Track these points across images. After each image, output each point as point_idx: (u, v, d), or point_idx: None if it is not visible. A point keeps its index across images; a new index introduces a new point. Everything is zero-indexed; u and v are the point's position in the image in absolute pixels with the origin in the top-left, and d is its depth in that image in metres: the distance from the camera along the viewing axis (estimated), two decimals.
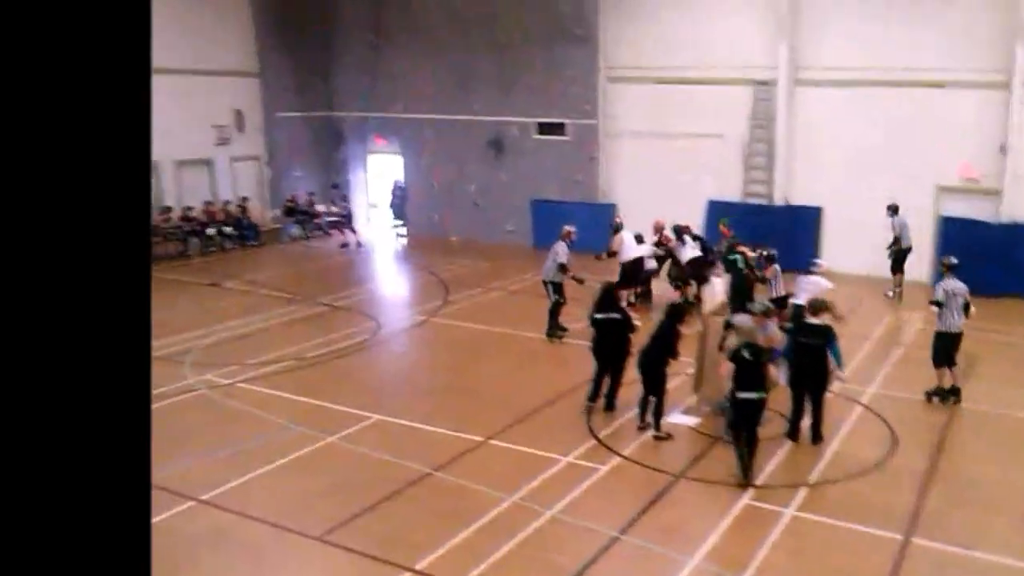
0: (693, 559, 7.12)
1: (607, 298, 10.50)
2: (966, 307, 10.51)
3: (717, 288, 10.55)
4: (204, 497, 8.15)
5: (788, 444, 9.43)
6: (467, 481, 8.55)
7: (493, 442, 9.54)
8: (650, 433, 9.64)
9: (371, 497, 8.21)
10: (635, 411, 9.97)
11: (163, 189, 20.97)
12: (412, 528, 7.66)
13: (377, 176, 24.51)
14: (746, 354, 8.46)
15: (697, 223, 18.54)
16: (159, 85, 19.82)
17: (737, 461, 8.46)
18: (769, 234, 18.00)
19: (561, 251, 13.65)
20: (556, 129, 21.16)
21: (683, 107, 19.52)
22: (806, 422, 9.48)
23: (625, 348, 10.17)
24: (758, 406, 8.46)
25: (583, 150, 20.88)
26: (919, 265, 16.66)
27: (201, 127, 21.76)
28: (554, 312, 13.54)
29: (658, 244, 15.57)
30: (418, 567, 6.98)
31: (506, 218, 21.79)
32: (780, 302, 11.61)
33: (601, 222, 20.47)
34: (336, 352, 13.00)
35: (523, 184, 21.56)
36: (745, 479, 8.38)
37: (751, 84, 18.76)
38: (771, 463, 8.99)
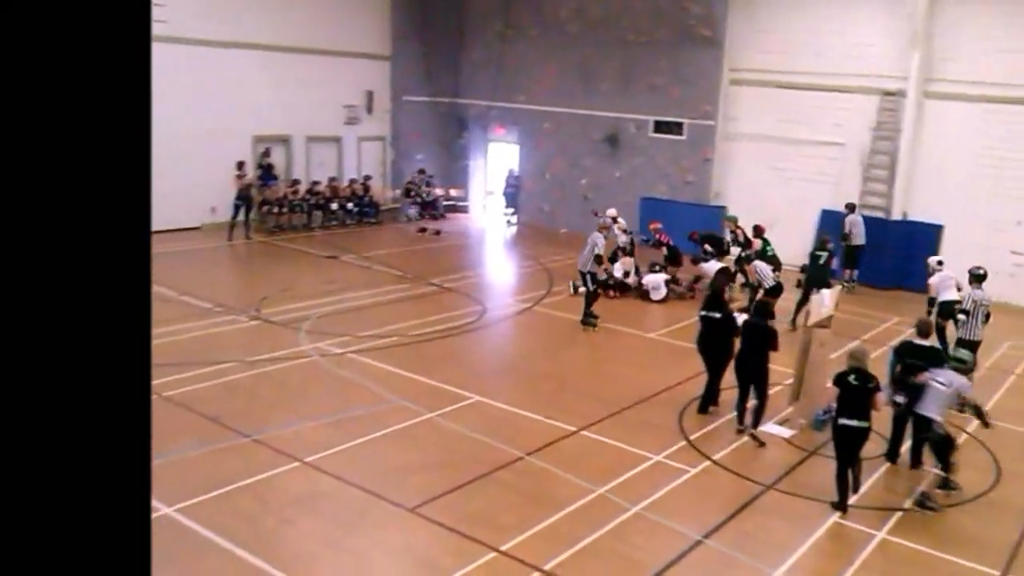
0: (776, 572, 6.93)
1: (714, 297, 10.47)
2: (987, 317, 11.09)
3: (825, 300, 10.17)
4: (308, 459, 8.42)
5: (885, 465, 9.05)
6: (556, 469, 8.55)
7: (585, 433, 9.51)
8: (747, 435, 9.45)
9: (463, 475, 8.32)
10: (731, 415, 9.78)
11: (293, 163, 21.75)
12: (500, 509, 7.73)
13: (495, 164, 24.72)
14: (852, 380, 7.99)
15: (810, 231, 18.00)
16: (297, 63, 20.98)
17: (836, 484, 8.06)
18: (884, 248, 17.35)
19: (599, 241, 13.75)
20: (673, 128, 20.83)
21: (804, 113, 18.91)
22: (906, 444, 9.07)
23: (728, 349, 9.99)
24: (861, 435, 7.96)
25: (698, 151, 20.49)
26: None
27: (333, 106, 22.41)
28: (589, 301, 13.64)
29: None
30: (503, 548, 7.03)
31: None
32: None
33: (711, 224, 20.09)
34: (442, 332, 13.20)
35: (634, 181, 21.33)
36: (842, 502, 8.01)
37: (878, 93, 17.98)
38: (866, 483, 8.64)
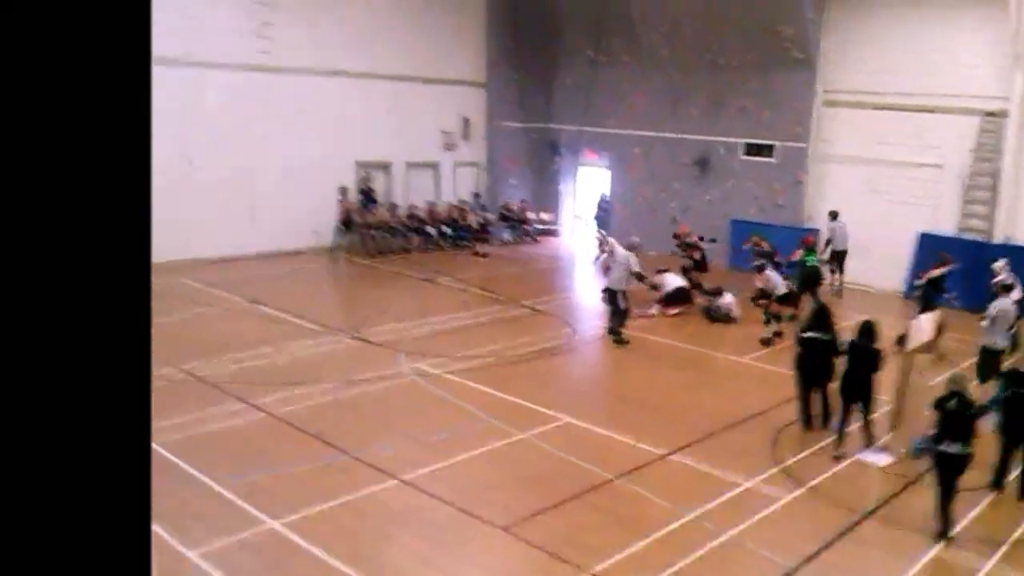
0: None
1: (821, 317, 10.18)
2: (1010, 328, 11.30)
3: (924, 324, 9.76)
4: (405, 477, 8.55)
5: (991, 495, 8.60)
6: (646, 492, 8.44)
7: (674, 457, 9.36)
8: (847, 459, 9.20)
9: (554, 496, 8.30)
10: (827, 440, 9.49)
11: (393, 187, 22.26)
12: (589, 531, 7.67)
13: (585, 188, 24.72)
14: (952, 405, 7.62)
15: (907, 254, 17.37)
16: (396, 91, 21.51)
17: (937, 511, 7.69)
18: (984, 272, 16.54)
19: (633, 260, 14.09)
20: (764, 151, 20.43)
21: (900, 134, 18.26)
22: (1014, 473, 8.61)
23: (831, 370, 9.78)
24: (962, 462, 7.58)
25: (789, 173, 20.02)
26: None
27: (431, 132, 22.87)
28: (622, 319, 13.85)
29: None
30: (593, 571, 6.98)
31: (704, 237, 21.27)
32: None
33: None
34: (533, 353, 13.23)
35: (724, 204, 20.99)
36: (944, 532, 7.64)
37: (978, 114, 17.23)
38: (969, 515, 8.23)
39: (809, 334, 10.01)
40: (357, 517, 7.78)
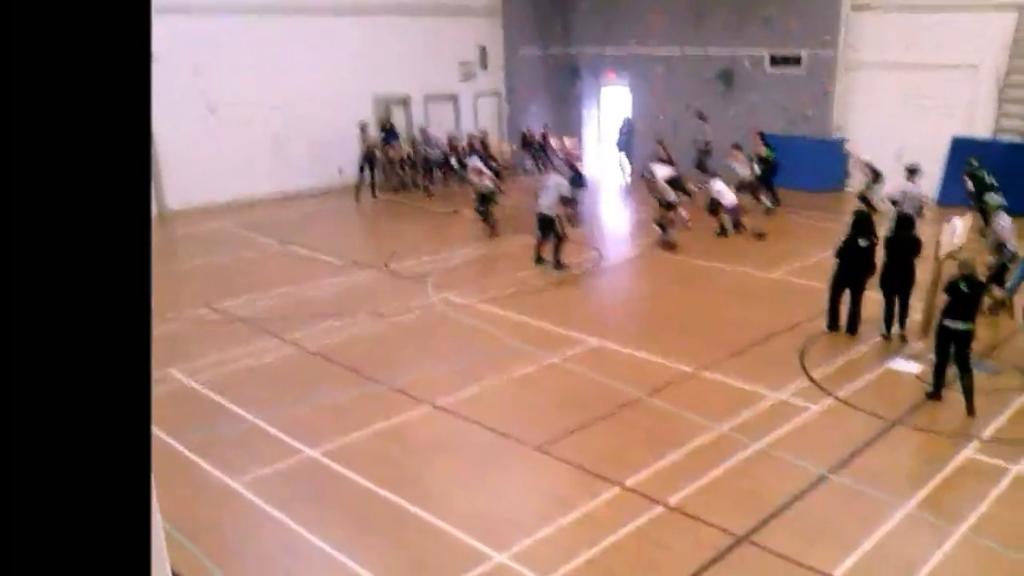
0: (906, 505, 6.74)
1: (863, 223, 10.35)
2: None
3: (956, 230, 9.60)
4: (440, 403, 8.74)
5: (1021, 399, 8.60)
6: (677, 408, 8.56)
7: (704, 373, 9.43)
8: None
9: (587, 416, 8.45)
10: (857, 352, 9.52)
11: (413, 121, 22.11)
12: (623, 447, 7.82)
13: (608, 111, 24.36)
14: (963, 287, 8.20)
15: (941, 159, 17.00)
16: (412, 25, 21.21)
17: (933, 377, 8.58)
18: (1020, 175, 16.18)
19: (564, 185, 13.93)
20: (790, 62, 19.91)
21: (932, 36, 17.65)
22: None
23: (870, 271, 10.20)
24: (965, 337, 8.26)
25: (817, 83, 19.53)
26: None
27: (449, 64, 22.58)
28: (558, 247, 13.58)
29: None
30: (627, 483, 7.14)
31: (729, 152, 20.92)
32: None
33: (831, 160, 19.28)
34: (561, 279, 13.28)
35: (750, 119, 20.54)
36: (936, 395, 8.49)
37: (1014, 10, 16.60)
38: (1003, 415, 8.26)
39: (859, 241, 10.25)
40: (395, 443, 7.99)
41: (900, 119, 18.13)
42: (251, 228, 16.90)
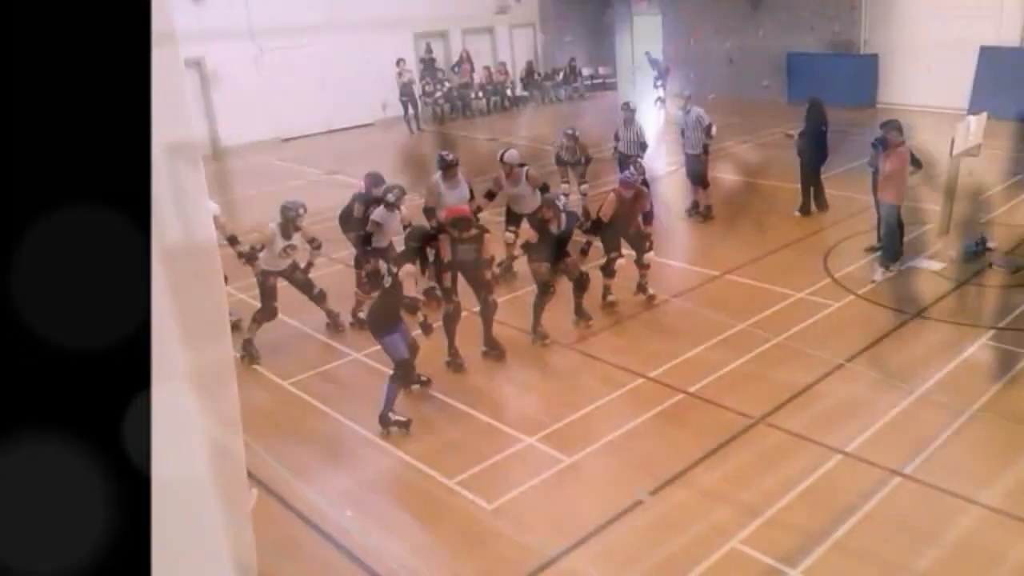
0: (920, 388, 6.65)
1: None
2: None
3: (971, 126, 9.21)
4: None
5: None
6: (701, 308, 8.51)
7: (729, 276, 9.33)
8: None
9: (614, 317, 8.46)
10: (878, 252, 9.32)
11: (451, 55, 21.83)
12: (647, 343, 7.83)
13: (641, 41, 23.68)
14: None
15: (968, 72, 16.26)
16: None
17: None
18: None
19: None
20: None
21: None
22: None
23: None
24: None
25: None
26: None
27: None
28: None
29: None
30: (651, 375, 7.16)
31: (762, 74, 20.30)
32: None
33: (861, 75, 18.56)
34: (592, 197, 13.14)
35: (780, 39, 19.84)
36: None
37: None
38: (1022, 306, 8.04)
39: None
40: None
41: (928, 30, 17.28)
42: (300, 161, 17.01)
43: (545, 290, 7.95)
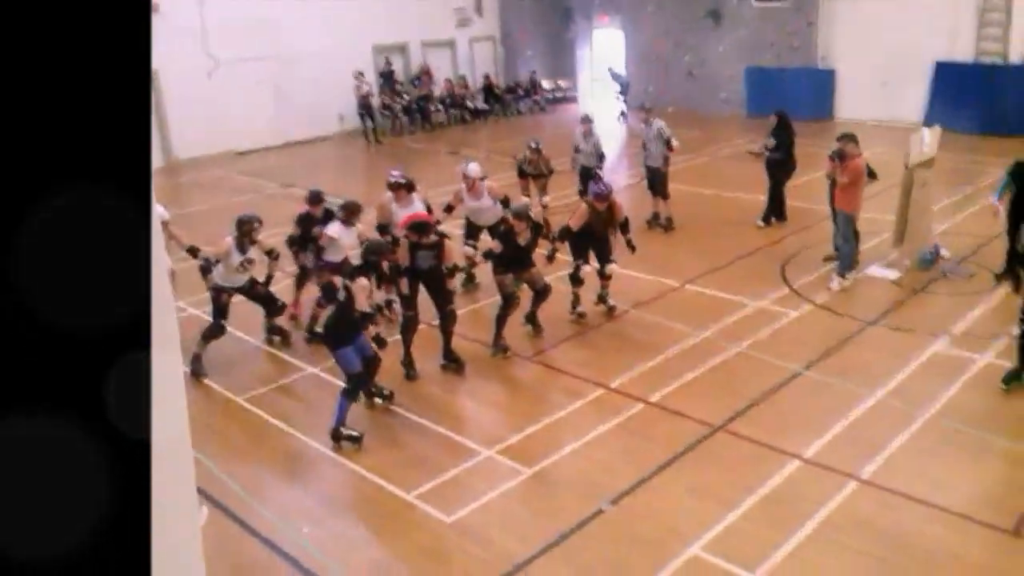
0: (876, 394, 6.79)
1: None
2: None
3: (925, 138, 9.48)
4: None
5: (996, 290, 8.62)
6: (662, 319, 8.59)
7: (689, 287, 9.46)
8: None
9: (575, 328, 8.52)
10: (834, 264, 9.52)
11: (411, 69, 21.88)
12: (608, 354, 7.88)
13: (601, 53, 23.96)
14: None
15: (923, 86, 16.72)
16: None
17: None
18: (1004, 94, 15.99)
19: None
20: None
21: None
22: None
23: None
24: None
25: (801, 15, 19.16)
26: None
27: (444, 11, 22.27)
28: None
29: None
30: (612, 385, 7.21)
31: (720, 87, 20.70)
32: None
33: (818, 88, 19.02)
34: (555, 208, 13.22)
35: (739, 53, 20.27)
36: None
37: None
38: (975, 312, 8.27)
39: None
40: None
41: (883, 45, 17.78)
42: (254, 174, 16.88)
43: (509, 301, 7.96)
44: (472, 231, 9.64)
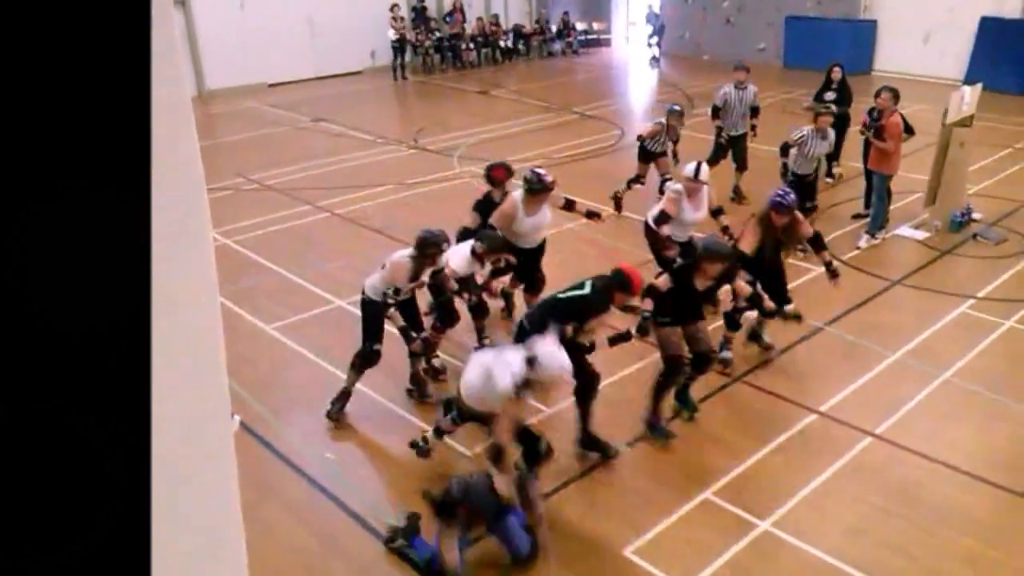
0: (896, 353, 6.83)
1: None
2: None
3: (965, 97, 9.27)
4: None
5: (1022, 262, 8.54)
6: None
7: None
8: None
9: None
10: (866, 220, 9.44)
11: (443, 7, 21.58)
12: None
13: None
14: None
15: (967, 42, 16.27)
16: None
17: None
18: None
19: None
20: None
21: None
22: None
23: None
24: None
25: None
26: None
27: None
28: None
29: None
30: None
31: (759, 36, 20.24)
32: None
33: (861, 40, 18.55)
34: (584, 154, 13.18)
35: (779, 1, 19.75)
36: None
37: None
38: (1002, 277, 8.22)
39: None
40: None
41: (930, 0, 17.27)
42: (285, 107, 16.88)
43: (675, 366, 5.78)
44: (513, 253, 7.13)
